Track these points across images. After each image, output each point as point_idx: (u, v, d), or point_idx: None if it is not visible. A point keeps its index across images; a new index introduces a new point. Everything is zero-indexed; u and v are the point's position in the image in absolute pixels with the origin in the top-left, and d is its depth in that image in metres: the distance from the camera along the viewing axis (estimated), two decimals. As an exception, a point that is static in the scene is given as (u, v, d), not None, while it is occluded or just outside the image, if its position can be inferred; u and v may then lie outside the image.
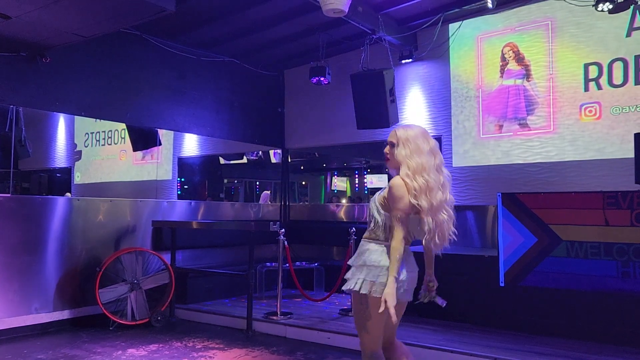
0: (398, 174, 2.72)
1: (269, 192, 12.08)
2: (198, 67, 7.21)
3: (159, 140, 8.73)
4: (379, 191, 2.85)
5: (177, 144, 9.82)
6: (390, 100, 6.52)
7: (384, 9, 6.35)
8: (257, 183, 16.88)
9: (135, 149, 8.92)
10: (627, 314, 4.45)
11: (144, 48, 6.54)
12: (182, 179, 10.24)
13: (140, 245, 6.24)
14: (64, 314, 5.57)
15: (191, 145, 9.66)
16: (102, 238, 5.98)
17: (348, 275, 2.82)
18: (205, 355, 4.59)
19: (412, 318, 5.45)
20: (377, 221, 2.76)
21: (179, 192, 10.01)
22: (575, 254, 4.68)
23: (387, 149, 2.82)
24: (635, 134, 4.81)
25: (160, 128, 7.71)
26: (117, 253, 5.76)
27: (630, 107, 5.69)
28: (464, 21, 6.76)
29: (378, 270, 2.67)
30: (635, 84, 5.66)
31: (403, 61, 7.04)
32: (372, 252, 2.73)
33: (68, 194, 10.67)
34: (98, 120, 10.45)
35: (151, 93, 6.63)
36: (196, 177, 10.99)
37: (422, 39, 7.04)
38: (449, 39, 6.90)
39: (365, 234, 2.84)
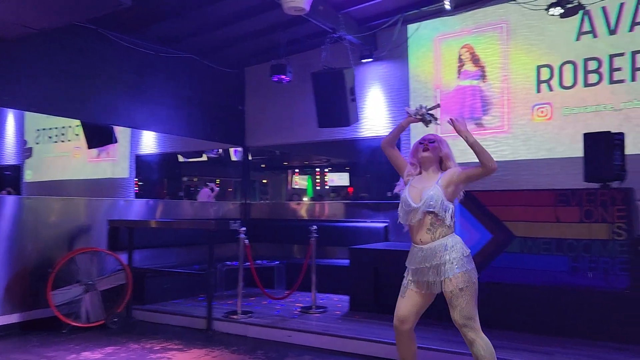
0: (437, 164, 3.23)
1: (209, 188, 11.79)
2: (157, 63, 7.07)
3: (115, 138, 8.52)
4: (427, 194, 3.07)
5: (134, 142, 9.61)
6: (350, 99, 6.57)
7: (344, 9, 6.39)
8: (218, 181, 16.70)
9: (90, 147, 8.68)
10: (577, 307, 4.64)
11: (100, 43, 6.37)
12: (140, 177, 10.02)
13: (96, 245, 6.07)
14: (12, 318, 5.35)
15: (149, 142, 9.47)
16: (55, 238, 5.78)
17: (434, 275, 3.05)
18: (164, 357, 4.51)
19: (373, 314, 5.53)
20: (447, 217, 3.06)
21: (136, 191, 9.79)
22: (528, 249, 4.85)
23: (425, 144, 3.23)
24: (584, 134, 5.00)
25: (116, 125, 7.53)
26: (70, 253, 5.59)
27: (580, 108, 5.92)
28: (423, 22, 6.88)
29: (467, 260, 3.04)
30: (584, 86, 5.91)
31: (363, 60, 7.11)
32: (455, 248, 3.05)
33: (10, 189, 10.20)
34: (50, 116, 10.10)
35: (107, 89, 6.46)
36: (154, 175, 10.77)
37: (382, 39, 7.13)
38: (407, 39, 7.01)
39: (430, 236, 3.07)
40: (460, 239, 3.13)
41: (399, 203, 3.24)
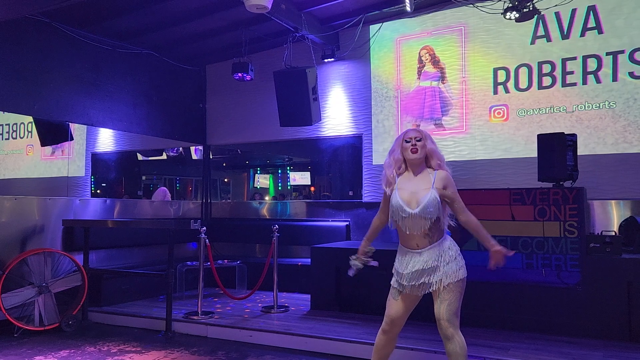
0: (424, 163, 3.11)
1: (165, 188, 11.61)
2: (114, 59, 6.89)
3: (71, 135, 8.27)
4: (425, 199, 2.99)
5: (90, 139, 9.34)
6: (312, 98, 6.58)
7: (306, 8, 6.39)
8: (178, 180, 16.42)
9: (43, 144, 8.39)
10: (531, 303, 4.79)
11: (55, 37, 6.16)
12: (97, 176, 9.75)
13: (50, 246, 5.88)
14: (-39, 322, 5.14)
15: (106, 140, 9.22)
16: (5, 239, 5.56)
17: (431, 276, 3.03)
18: (121, 359, 4.42)
19: (334, 313, 5.56)
20: (440, 220, 3.03)
21: (92, 190, 9.52)
22: (484, 247, 4.96)
23: (413, 143, 3.07)
24: (538, 135, 5.17)
25: (71, 122, 7.29)
26: (22, 255, 5.39)
27: (534, 110, 6.11)
28: (384, 23, 6.96)
29: (460, 257, 3.09)
30: (539, 89, 6.10)
31: (325, 60, 7.13)
32: (451, 248, 3.08)
33: None
34: (0, 112, 9.71)
35: (62, 84, 6.26)
36: (112, 174, 10.50)
37: (344, 38, 7.17)
38: (369, 40, 7.08)
39: (428, 240, 3.03)
40: (452, 240, 3.13)
41: (378, 202, 3.23)
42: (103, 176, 10.20)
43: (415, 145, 3.07)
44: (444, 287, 2.99)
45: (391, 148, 3.22)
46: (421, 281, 3.03)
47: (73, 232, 6.17)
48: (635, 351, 4.13)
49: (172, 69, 7.72)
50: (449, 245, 3.08)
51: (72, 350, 4.68)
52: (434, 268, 3.01)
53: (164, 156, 11.74)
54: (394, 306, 3.14)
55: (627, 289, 4.45)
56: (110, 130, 8.83)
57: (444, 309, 2.98)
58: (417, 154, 3.07)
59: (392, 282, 3.20)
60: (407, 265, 3.07)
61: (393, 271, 3.21)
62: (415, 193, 3.03)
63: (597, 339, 4.45)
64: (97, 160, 9.47)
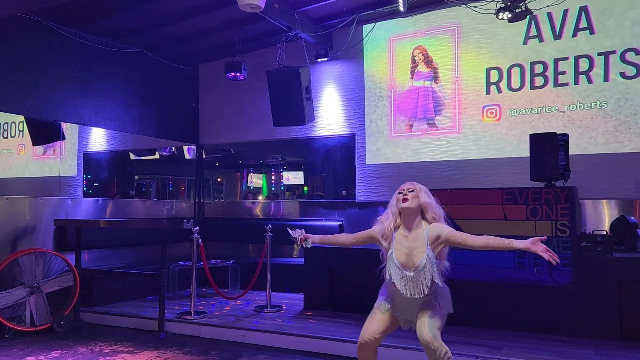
0: (419, 216, 3.10)
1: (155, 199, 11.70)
2: (106, 58, 6.85)
3: (63, 134, 8.22)
4: (422, 263, 3.00)
5: (82, 139, 9.29)
6: (306, 97, 6.58)
7: (300, 7, 6.39)
8: (171, 179, 16.36)
9: (35, 143, 8.34)
10: (523, 302, 4.82)
11: (46, 35, 6.12)
12: (89, 176, 9.69)
13: (41, 246, 5.84)
14: (-49, 323, 5.09)
15: (99, 139, 9.17)
16: (-3, 239, 5.53)
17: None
18: (114, 360, 4.40)
19: (327, 312, 5.56)
20: (439, 280, 3.06)
21: (84, 189, 9.47)
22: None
23: (404, 193, 3.09)
24: (530, 135, 5.20)
25: (63, 121, 7.26)
26: (13, 255, 5.36)
27: (526, 110, 6.14)
28: (377, 23, 6.97)
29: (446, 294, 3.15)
30: (531, 89, 6.13)
31: (319, 60, 7.13)
32: (441, 293, 3.12)
33: None
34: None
35: (54, 84, 6.22)
36: (104, 174, 10.45)
37: (337, 38, 7.17)
38: (363, 39, 7.08)
39: (426, 292, 3.04)
40: (443, 286, 3.13)
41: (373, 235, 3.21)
42: (95, 176, 10.15)
43: (407, 195, 3.09)
44: (424, 303, 3.04)
45: (389, 203, 3.23)
46: (412, 319, 3.10)
47: (65, 232, 6.13)
48: (626, 350, 4.16)
49: (165, 68, 7.69)
50: (440, 292, 3.10)
51: (64, 351, 4.65)
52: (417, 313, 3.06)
53: (157, 156, 11.71)
54: (376, 321, 3.12)
55: (618, 287, 4.48)
56: (103, 130, 8.79)
57: (424, 319, 2.98)
58: (407, 203, 3.06)
59: (382, 301, 3.18)
60: (398, 304, 3.13)
61: (381, 297, 3.21)
62: (410, 253, 3.05)
63: (588, 338, 4.48)
64: (89, 160, 9.42)
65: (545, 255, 2.77)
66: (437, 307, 3.04)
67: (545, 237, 2.91)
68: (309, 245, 3.34)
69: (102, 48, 6.76)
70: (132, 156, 11.67)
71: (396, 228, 3.13)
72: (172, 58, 7.73)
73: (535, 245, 2.82)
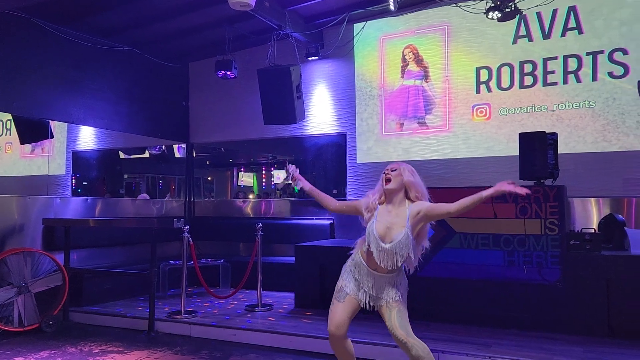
0: (403, 195, 3.14)
1: (146, 194, 11.62)
2: (95, 56, 6.80)
3: (51, 133, 8.15)
4: (398, 238, 3.03)
5: (71, 137, 9.21)
6: (297, 96, 6.58)
7: (290, 6, 6.38)
8: (161, 178, 16.28)
9: (23, 142, 8.26)
10: (512, 300, 4.85)
11: (34, 33, 6.06)
12: (78, 174, 9.61)
13: (30, 246, 5.79)
14: (-62, 323, 5.03)
15: (88, 138, 9.11)
16: (-16, 238, 5.47)
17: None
18: (103, 360, 4.37)
19: (318, 311, 5.56)
20: (410, 259, 3.08)
21: (73, 188, 9.39)
22: (467, 244, 5.03)
23: (387, 173, 3.16)
24: (519, 134, 5.23)
25: (51, 119, 7.20)
26: (1, 254, 5.30)
27: (516, 109, 6.18)
28: (368, 22, 6.97)
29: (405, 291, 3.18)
30: (520, 88, 6.17)
31: (310, 58, 7.13)
32: (401, 283, 3.16)
33: None
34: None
35: (42, 81, 6.16)
36: (93, 172, 10.36)
37: (328, 37, 7.17)
38: (353, 38, 7.09)
39: (388, 269, 3.08)
40: (404, 274, 3.20)
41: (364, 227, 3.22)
42: (84, 174, 10.07)
43: (389, 174, 3.15)
44: (388, 299, 3.08)
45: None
46: (370, 302, 3.13)
47: (53, 232, 6.08)
48: (614, 346, 4.21)
49: (154, 66, 7.65)
50: (401, 281, 3.16)
51: (53, 351, 4.61)
52: (383, 297, 3.10)
53: (147, 154, 11.64)
54: (339, 309, 3.17)
55: (606, 285, 4.52)
56: (92, 128, 8.72)
57: (394, 317, 3.03)
58: (389, 185, 3.13)
59: (340, 285, 3.22)
60: (362, 277, 3.16)
61: (343, 273, 3.26)
62: (390, 227, 3.09)
63: (577, 335, 4.51)
64: (78, 159, 9.34)
65: (515, 189, 2.87)
66: (401, 302, 3.09)
67: (512, 181, 2.96)
68: (298, 187, 3.41)
69: (92, 46, 6.71)
70: (122, 155, 11.59)
71: (381, 204, 3.21)
72: (162, 56, 7.69)
73: (502, 186, 2.91)
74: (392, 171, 3.16)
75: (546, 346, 4.23)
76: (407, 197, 3.16)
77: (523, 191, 2.85)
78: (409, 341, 2.99)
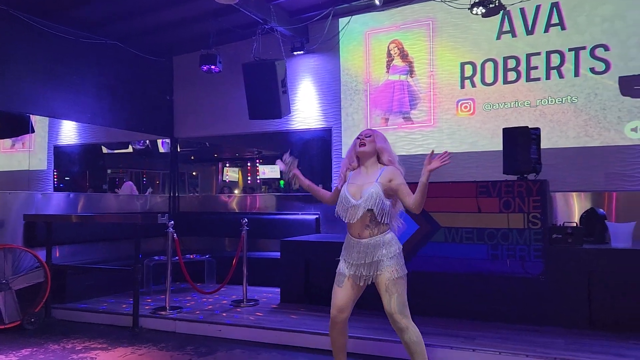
0: (375, 159, 3.28)
1: (131, 182, 11.48)
2: (77, 49, 6.69)
3: (32, 127, 8.02)
4: (367, 192, 3.13)
5: (53, 132, 9.07)
6: (282, 91, 6.55)
7: (275, 0, 6.34)
8: (145, 173, 16.14)
9: (2, 136, 8.12)
10: (496, 293, 4.90)
11: (13, 25, 5.94)
12: (59, 170, 9.48)
13: (10, 242, 5.70)
14: None
15: (69, 132, 8.97)
16: (-36, 235, 5.38)
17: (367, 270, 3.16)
18: (87, 357, 4.32)
19: (304, 306, 5.57)
20: (383, 215, 3.12)
21: (55, 184, 9.26)
22: (452, 239, 5.07)
23: (362, 138, 3.31)
24: (503, 129, 5.27)
25: (32, 114, 7.08)
26: (-18, 251, 5.22)
27: (500, 104, 6.23)
28: (353, 16, 6.96)
29: (400, 255, 3.19)
30: (504, 83, 6.22)
31: (295, 53, 7.10)
32: (392, 244, 3.18)
33: None
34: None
35: (22, 75, 6.05)
36: (75, 167, 10.23)
37: (314, 31, 7.15)
38: (339, 32, 7.07)
39: (369, 232, 3.16)
40: (394, 235, 3.25)
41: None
42: (66, 170, 9.93)
43: (364, 140, 3.31)
44: (388, 281, 3.11)
45: (349, 149, 3.45)
46: (361, 272, 3.17)
47: (35, 228, 6.00)
48: (595, 338, 4.28)
49: (138, 60, 7.56)
50: (389, 241, 3.18)
51: (35, 349, 4.55)
52: (374, 262, 3.14)
53: (130, 149, 11.52)
54: (339, 294, 3.25)
55: (587, 278, 4.59)
56: (74, 123, 8.60)
57: (394, 302, 3.10)
58: (364, 147, 3.28)
59: (337, 269, 3.31)
60: (350, 252, 3.24)
61: (340, 258, 3.34)
62: (361, 186, 3.21)
63: (559, 327, 4.58)
64: (59, 153, 9.21)
65: (440, 162, 3.03)
66: (399, 279, 3.12)
67: (431, 151, 3.13)
68: (296, 186, 3.51)
69: (73, 39, 6.60)
70: (105, 150, 11.46)
71: (353, 169, 3.36)
72: (146, 50, 7.60)
73: (429, 166, 3.06)
74: (366, 137, 3.31)
75: (529, 338, 4.28)
76: (379, 161, 3.30)
77: (446, 156, 3.04)
78: (403, 322, 3.08)
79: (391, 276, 3.10)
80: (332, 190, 3.48)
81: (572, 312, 4.62)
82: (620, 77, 5.65)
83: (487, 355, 3.96)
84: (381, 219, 3.15)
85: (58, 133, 9.05)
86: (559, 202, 5.87)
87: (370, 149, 3.28)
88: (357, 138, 3.35)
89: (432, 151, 3.12)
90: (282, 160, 3.55)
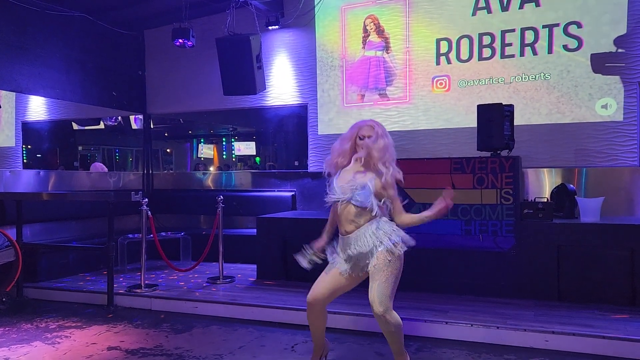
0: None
1: (100, 163, 11.25)
2: (43, 22, 6.46)
3: (-2, 103, 7.75)
4: (365, 186, 3.02)
5: (20, 107, 8.79)
6: (257, 66, 6.46)
7: (249, -28, 6.21)
8: (117, 150, 15.87)
9: (-33, 112, 7.82)
10: (469, 267, 5.00)
11: (-26, -5, 5.69)
12: (29, 146, 9.24)
13: (-22, 221, 5.56)
14: None
15: (38, 108, 8.72)
16: None
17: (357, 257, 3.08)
18: (61, 335, 4.29)
19: (280, 282, 5.61)
20: (373, 209, 3.03)
21: (24, 161, 9.04)
22: (433, 216, 5.11)
23: (365, 138, 3.09)
24: (478, 106, 5.31)
25: (-3, 88, 6.84)
26: (-52, 230, 5.08)
27: (474, 81, 6.27)
28: (329, -9, 6.87)
29: (393, 235, 3.06)
30: (479, 60, 6.24)
31: (270, 27, 6.98)
32: (380, 228, 3.06)
33: None
34: None
35: (-15, 48, 5.82)
36: (45, 144, 9.99)
37: (289, 5, 7.04)
38: (314, 7, 6.97)
39: (354, 225, 3.06)
40: (387, 220, 3.12)
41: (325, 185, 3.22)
42: (36, 146, 9.69)
43: (366, 141, 3.10)
44: (374, 266, 3.03)
45: (344, 135, 3.21)
46: (356, 264, 3.11)
47: (4, 206, 5.85)
48: (564, 309, 4.42)
49: (107, 33, 7.34)
50: (378, 226, 3.06)
51: (7, 328, 4.49)
52: (365, 253, 3.05)
53: (102, 125, 11.28)
54: (320, 282, 3.19)
55: (557, 251, 4.72)
56: (42, 98, 8.35)
57: (375, 290, 3.01)
58: (361, 153, 3.10)
59: (331, 259, 3.22)
60: (342, 248, 3.16)
61: (335, 253, 3.23)
62: (350, 181, 3.08)
63: (529, 299, 4.71)
64: (28, 130, 8.96)
65: (447, 201, 3.01)
66: (388, 268, 3.01)
67: (450, 190, 3.08)
68: (324, 255, 3.26)
69: (39, 10, 6.36)
70: (75, 126, 11.20)
71: (343, 167, 3.19)
72: (116, 23, 7.37)
73: (439, 209, 3.01)
74: (368, 138, 3.10)
75: (500, 311, 4.40)
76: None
77: (449, 198, 3.01)
78: (385, 317, 3.00)
79: (378, 263, 3.02)
80: (330, 212, 3.30)
81: (542, 285, 4.75)
82: (592, 55, 5.72)
83: (459, 328, 4.07)
84: (367, 214, 3.05)
85: (26, 109, 8.78)
86: (531, 177, 5.98)
87: (366, 154, 3.07)
88: (360, 138, 3.11)
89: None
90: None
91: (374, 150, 3.06)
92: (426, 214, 3.04)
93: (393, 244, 3.04)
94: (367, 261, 3.07)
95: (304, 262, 3.25)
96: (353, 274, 3.15)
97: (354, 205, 3.04)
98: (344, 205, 3.07)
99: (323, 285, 3.18)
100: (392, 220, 3.14)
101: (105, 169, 9.63)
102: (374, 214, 3.05)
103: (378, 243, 3.03)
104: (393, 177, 3.07)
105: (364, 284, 3.14)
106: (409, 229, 3.20)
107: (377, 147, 3.06)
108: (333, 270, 3.18)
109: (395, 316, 3.06)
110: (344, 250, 3.15)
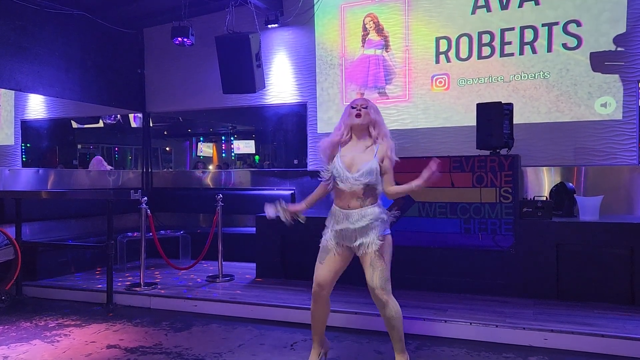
0: (367, 132, 3.21)
1: (100, 157, 11.22)
2: (43, 20, 6.45)
3: (-3, 101, 7.74)
4: (365, 167, 3.09)
5: (19, 106, 8.79)
6: (256, 65, 6.46)
7: (249, -30, 6.20)
8: (116, 149, 15.87)
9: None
10: (468, 266, 5.00)
11: (-27, -6, 5.68)
12: (28, 145, 9.23)
13: (-22, 219, 5.56)
14: None
15: (37, 107, 8.71)
16: None
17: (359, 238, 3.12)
18: (60, 334, 4.29)
19: (280, 280, 5.61)
20: (375, 188, 3.13)
21: (24, 159, 9.03)
22: (425, 213, 5.14)
23: (358, 108, 3.20)
24: (477, 104, 5.31)
25: (-4, 87, 6.83)
26: (-53, 229, 5.08)
27: (474, 80, 6.26)
28: (329, -11, 6.86)
29: (385, 222, 3.17)
30: (478, 59, 6.24)
31: (269, 26, 6.97)
32: (382, 213, 3.15)
33: None
34: None
35: (-16, 46, 5.81)
36: (44, 143, 9.99)
37: (288, 4, 7.03)
38: (314, 5, 6.96)
39: (360, 202, 3.11)
40: (382, 206, 3.21)
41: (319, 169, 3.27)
42: (35, 145, 9.68)
43: (360, 111, 3.20)
44: (374, 253, 3.08)
45: (342, 115, 3.32)
46: (349, 240, 3.14)
47: (3, 204, 5.85)
48: (563, 308, 4.42)
49: (107, 32, 7.33)
50: (379, 211, 3.15)
51: (6, 327, 4.49)
52: (363, 230, 3.10)
53: (101, 124, 11.28)
54: (320, 270, 3.22)
55: (556, 250, 4.72)
56: (42, 97, 8.35)
57: (377, 276, 3.07)
58: (360, 119, 3.18)
59: (321, 243, 3.26)
60: (337, 221, 3.19)
61: (324, 232, 3.28)
62: (354, 158, 3.15)
63: (528, 298, 4.72)
64: (27, 128, 8.96)
65: (432, 168, 3.05)
66: (385, 254, 3.11)
67: (436, 160, 3.12)
68: (303, 220, 3.35)
69: (38, 9, 6.35)
70: (75, 124, 11.20)
71: (343, 143, 3.24)
72: (115, 21, 7.37)
73: (428, 176, 3.06)
74: (362, 108, 3.20)
75: (499, 309, 4.40)
76: (369, 133, 3.22)
77: (434, 165, 3.06)
78: (384, 297, 3.08)
79: (378, 249, 3.07)
80: (318, 186, 3.35)
81: (541, 283, 4.76)
82: (591, 53, 5.72)
83: (458, 326, 4.07)
84: (373, 191, 3.13)
85: (25, 107, 8.78)
86: (530, 176, 5.98)
87: (366, 121, 3.18)
88: (352, 107, 3.22)
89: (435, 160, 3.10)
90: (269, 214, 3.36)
91: (371, 114, 3.20)
92: (415, 183, 3.08)
93: (389, 233, 3.16)
94: (355, 239, 3.12)
95: (270, 210, 3.34)
96: (339, 249, 3.19)
97: (362, 182, 3.09)
98: (354, 183, 3.09)
99: (324, 268, 3.21)
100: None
101: (105, 163, 9.63)
102: (379, 189, 3.15)
103: (375, 229, 3.10)
104: (391, 149, 3.18)
105: (362, 283, 3.15)
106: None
107: (372, 112, 3.21)
108: (326, 256, 3.21)
109: (395, 301, 3.14)
110: (338, 223, 3.16)
